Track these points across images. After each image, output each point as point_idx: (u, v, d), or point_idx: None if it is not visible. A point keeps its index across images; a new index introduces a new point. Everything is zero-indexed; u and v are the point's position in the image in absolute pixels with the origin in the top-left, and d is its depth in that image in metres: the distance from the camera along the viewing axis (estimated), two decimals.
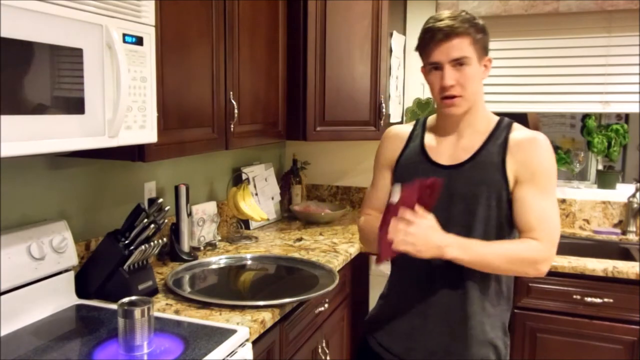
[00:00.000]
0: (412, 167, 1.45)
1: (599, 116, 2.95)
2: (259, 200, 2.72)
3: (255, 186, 2.71)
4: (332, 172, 3.20)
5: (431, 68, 1.36)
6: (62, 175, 1.72)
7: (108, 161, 1.84)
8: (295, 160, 3.05)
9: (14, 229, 1.48)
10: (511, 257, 1.31)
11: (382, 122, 2.63)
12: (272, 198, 2.86)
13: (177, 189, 2.09)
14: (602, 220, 2.78)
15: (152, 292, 1.70)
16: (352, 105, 2.60)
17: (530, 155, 1.34)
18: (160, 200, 1.75)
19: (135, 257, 1.63)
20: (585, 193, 2.82)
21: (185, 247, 2.10)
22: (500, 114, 1.46)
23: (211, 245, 2.29)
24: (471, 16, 1.34)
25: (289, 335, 1.79)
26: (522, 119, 2.68)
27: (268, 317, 1.58)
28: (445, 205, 1.35)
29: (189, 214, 2.13)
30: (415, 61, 2.98)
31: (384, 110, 2.63)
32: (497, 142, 1.38)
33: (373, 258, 2.62)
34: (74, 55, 1.21)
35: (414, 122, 1.54)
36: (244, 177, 2.55)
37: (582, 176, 2.96)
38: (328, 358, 2.10)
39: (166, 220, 2.07)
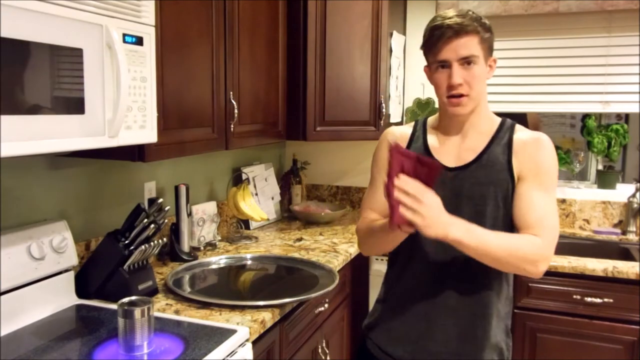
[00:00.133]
0: None
1: (599, 116, 2.95)
2: (259, 200, 2.72)
3: (255, 186, 2.71)
4: (332, 172, 3.20)
5: (438, 66, 1.33)
6: (62, 175, 1.72)
7: (108, 161, 1.84)
8: (295, 160, 3.05)
9: (14, 229, 1.48)
10: (514, 250, 1.27)
11: (382, 122, 2.62)
12: (272, 198, 2.86)
13: (177, 189, 2.09)
14: (602, 220, 2.78)
15: (152, 292, 1.70)
16: (352, 105, 2.60)
17: (535, 154, 1.34)
18: (160, 200, 1.75)
19: (135, 257, 1.63)
20: (585, 193, 2.82)
21: (185, 247, 2.10)
22: (501, 114, 1.46)
23: (211, 245, 2.29)
24: (478, 15, 1.33)
25: (289, 335, 1.79)
26: (521, 119, 2.69)
27: (268, 317, 1.58)
28: (453, 207, 1.31)
29: (189, 214, 2.13)
30: (416, 61, 2.98)
31: (384, 110, 2.63)
32: (501, 142, 1.37)
33: (373, 258, 2.62)
34: (74, 55, 1.21)
35: (412, 124, 1.51)
36: (244, 177, 2.55)
37: (582, 176, 2.96)
38: (328, 358, 2.10)
39: (166, 220, 2.07)
